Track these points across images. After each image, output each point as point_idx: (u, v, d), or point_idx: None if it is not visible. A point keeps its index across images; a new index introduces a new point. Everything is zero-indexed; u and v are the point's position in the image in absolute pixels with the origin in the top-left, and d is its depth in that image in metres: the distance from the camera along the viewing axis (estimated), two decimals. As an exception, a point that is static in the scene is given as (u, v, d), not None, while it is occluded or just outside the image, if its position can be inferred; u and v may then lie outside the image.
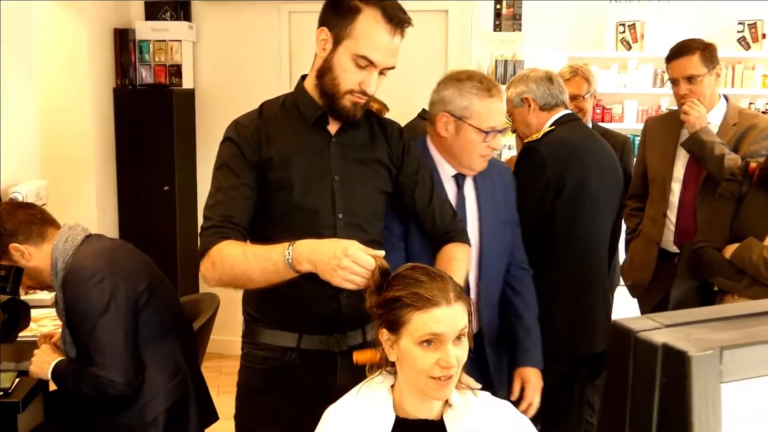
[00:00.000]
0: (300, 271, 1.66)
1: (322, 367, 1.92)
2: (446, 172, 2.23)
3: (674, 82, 2.98)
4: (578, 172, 2.58)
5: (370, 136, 1.98)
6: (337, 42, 1.80)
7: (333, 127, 1.92)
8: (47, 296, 3.08)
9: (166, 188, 4.45)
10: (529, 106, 2.73)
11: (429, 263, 1.83)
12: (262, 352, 1.95)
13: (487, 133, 2.13)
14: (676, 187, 3.01)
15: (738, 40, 5.81)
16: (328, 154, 1.90)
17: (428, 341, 1.52)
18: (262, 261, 1.70)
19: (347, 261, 1.58)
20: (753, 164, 2.50)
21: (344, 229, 1.87)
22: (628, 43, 5.86)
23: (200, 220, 1.91)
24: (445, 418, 1.61)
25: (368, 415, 1.59)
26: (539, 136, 2.62)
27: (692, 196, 2.97)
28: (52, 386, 2.40)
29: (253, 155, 1.84)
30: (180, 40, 4.47)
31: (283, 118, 1.90)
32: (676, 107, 3.12)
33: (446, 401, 1.63)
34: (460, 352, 1.56)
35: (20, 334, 2.48)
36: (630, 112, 5.93)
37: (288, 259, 1.65)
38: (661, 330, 0.54)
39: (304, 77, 1.94)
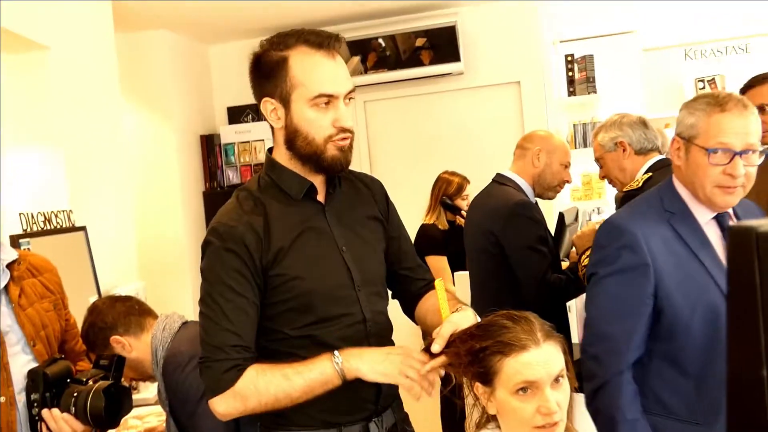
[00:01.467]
0: (350, 377, 1.58)
1: None
2: (701, 215, 1.86)
3: (762, 109, 2.85)
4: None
5: (355, 191, 1.82)
6: (286, 102, 1.62)
7: (320, 196, 1.74)
8: (150, 394, 3.12)
9: (258, 283, 4.49)
10: (624, 150, 2.66)
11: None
12: None
13: (714, 152, 1.76)
14: None
15: None
16: (328, 227, 1.71)
17: (524, 389, 1.44)
18: (307, 374, 1.58)
19: (408, 358, 1.55)
20: None
21: (367, 301, 1.73)
22: (709, 98, 5.73)
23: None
24: (562, 471, 1.50)
25: None
26: (640, 184, 2.52)
27: None
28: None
29: (257, 260, 1.61)
30: (263, 140, 4.64)
31: (268, 203, 1.67)
32: None
33: (560, 452, 1.52)
34: (561, 396, 1.46)
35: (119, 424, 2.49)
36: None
37: (338, 366, 1.57)
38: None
39: (270, 150, 1.75)
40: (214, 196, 4.65)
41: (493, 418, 1.56)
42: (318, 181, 1.72)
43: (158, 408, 2.96)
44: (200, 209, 4.63)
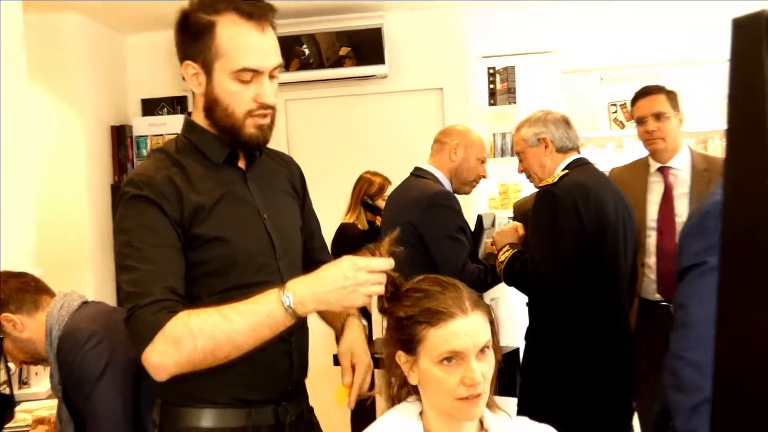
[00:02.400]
0: (304, 314, 1.46)
1: None
2: None
3: (641, 121, 3.05)
4: (596, 214, 2.49)
5: (274, 165, 1.78)
6: (208, 70, 1.56)
7: (242, 162, 1.67)
8: (42, 389, 2.90)
9: (166, 282, 4.31)
10: (546, 147, 2.67)
11: None
12: None
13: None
14: (653, 235, 2.97)
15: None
16: (249, 193, 1.65)
17: (448, 359, 1.38)
18: (252, 316, 1.43)
19: (364, 274, 1.43)
20: None
21: (287, 271, 1.64)
22: (621, 122, 5.91)
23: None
24: (482, 445, 1.44)
25: None
26: (555, 180, 2.53)
27: (670, 242, 2.93)
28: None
29: (174, 211, 1.51)
30: (177, 134, 4.46)
31: (187, 164, 1.58)
32: None
33: (481, 424, 1.47)
34: (486, 367, 1.40)
35: (12, 425, 2.31)
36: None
37: (287, 305, 1.43)
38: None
39: (189, 114, 1.68)
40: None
41: (414, 390, 1.49)
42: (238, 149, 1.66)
43: (49, 402, 2.76)
44: (107, 202, 4.42)
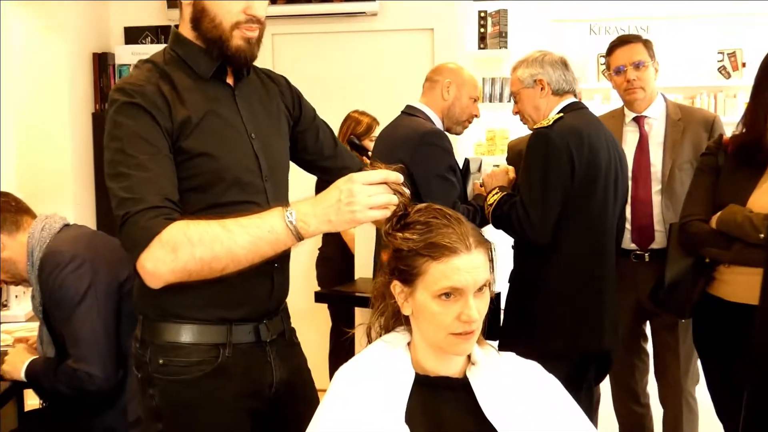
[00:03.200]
0: (307, 234, 1.44)
1: (256, 363, 1.65)
2: None
3: (619, 70, 3.01)
4: (588, 160, 2.48)
5: (263, 85, 1.75)
6: None
7: (230, 79, 1.65)
8: (21, 311, 2.89)
9: (146, 214, 4.28)
10: (542, 89, 2.63)
11: None
12: (185, 358, 1.57)
13: None
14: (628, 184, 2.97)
15: (718, 69, 5.86)
16: (237, 110, 1.63)
17: (447, 294, 1.37)
18: (254, 230, 1.42)
19: (358, 187, 1.41)
20: (725, 138, 2.55)
21: (273, 193, 1.64)
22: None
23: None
24: (469, 376, 1.45)
25: (385, 373, 1.42)
26: (550, 123, 2.51)
27: (645, 191, 2.96)
28: (31, 398, 2.20)
29: (165, 120, 1.50)
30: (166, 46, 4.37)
31: (175, 76, 1.56)
32: None
33: (468, 358, 1.48)
34: (482, 305, 1.41)
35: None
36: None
37: (289, 220, 1.42)
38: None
39: (177, 27, 1.64)
40: (104, 119, 4.35)
41: (406, 321, 1.49)
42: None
43: (29, 324, 2.75)
44: (88, 130, 4.33)
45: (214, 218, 1.45)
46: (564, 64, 2.65)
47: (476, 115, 2.92)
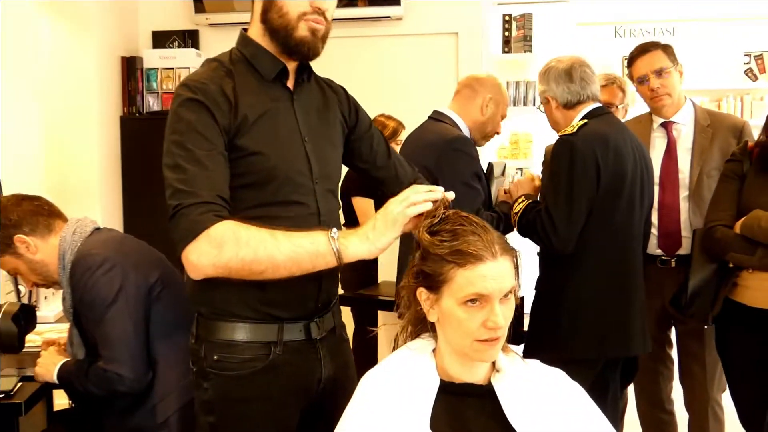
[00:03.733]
0: (345, 253, 1.51)
1: (306, 360, 1.71)
2: None
3: (642, 80, 2.99)
4: (614, 166, 2.46)
5: (322, 93, 1.81)
6: None
7: (290, 83, 1.72)
8: (51, 312, 2.93)
9: (173, 217, 4.32)
10: (553, 105, 2.64)
11: None
12: (239, 355, 1.64)
13: None
14: (655, 190, 2.95)
15: (745, 71, 5.81)
16: (294, 114, 1.69)
17: (473, 300, 1.39)
18: (298, 240, 1.48)
19: (394, 203, 1.51)
20: (750, 144, 2.54)
21: (323, 196, 1.70)
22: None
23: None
24: (493, 383, 1.46)
25: (410, 379, 1.44)
26: (575, 129, 2.50)
27: (672, 197, 2.95)
28: (59, 398, 2.25)
29: (224, 119, 1.56)
30: (188, 68, 4.41)
31: (239, 76, 1.64)
32: None
33: (493, 365, 1.49)
34: (507, 312, 1.42)
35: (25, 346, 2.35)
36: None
37: (332, 238, 1.49)
38: None
39: (245, 30, 1.72)
40: (132, 122, 4.40)
41: (431, 328, 1.50)
42: (290, 67, 1.69)
43: (58, 326, 2.80)
44: (116, 134, 4.38)
45: (267, 216, 1.55)
46: (568, 75, 2.60)
47: (498, 132, 2.92)
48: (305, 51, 1.64)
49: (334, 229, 1.51)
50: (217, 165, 1.53)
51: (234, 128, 1.57)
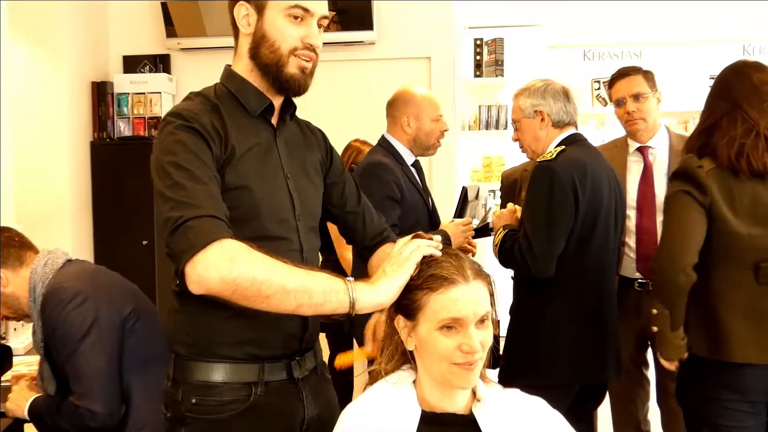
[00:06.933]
0: (358, 302, 1.44)
1: (288, 401, 1.65)
2: None
3: (619, 102, 3.04)
4: (591, 192, 2.47)
5: (302, 133, 1.80)
6: (260, 9, 1.60)
7: (274, 119, 1.70)
8: (20, 345, 2.87)
9: (144, 242, 4.28)
10: (542, 120, 2.62)
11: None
12: (218, 397, 1.56)
13: None
14: (632, 214, 2.98)
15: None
16: (276, 150, 1.67)
17: (448, 327, 1.38)
18: (314, 271, 1.45)
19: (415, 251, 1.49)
20: None
21: (305, 233, 1.67)
22: (604, 99, 5.93)
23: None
24: (475, 412, 1.45)
25: (391, 410, 1.43)
26: (554, 156, 2.50)
27: (650, 221, 2.97)
28: (29, 430, 2.19)
29: (216, 149, 1.52)
30: (159, 92, 4.40)
31: (226, 110, 1.61)
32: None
33: (473, 394, 1.48)
34: (485, 337, 1.42)
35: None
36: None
37: (349, 279, 1.45)
38: None
39: (229, 66, 1.70)
40: (103, 147, 4.37)
41: (411, 357, 1.50)
42: (276, 103, 1.68)
43: (27, 359, 2.74)
44: (86, 159, 4.35)
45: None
46: (566, 95, 2.62)
47: (445, 130, 2.95)
48: (296, 87, 1.63)
49: (351, 280, 1.46)
50: (216, 187, 1.48)
51: (223, 161, 1.54)
